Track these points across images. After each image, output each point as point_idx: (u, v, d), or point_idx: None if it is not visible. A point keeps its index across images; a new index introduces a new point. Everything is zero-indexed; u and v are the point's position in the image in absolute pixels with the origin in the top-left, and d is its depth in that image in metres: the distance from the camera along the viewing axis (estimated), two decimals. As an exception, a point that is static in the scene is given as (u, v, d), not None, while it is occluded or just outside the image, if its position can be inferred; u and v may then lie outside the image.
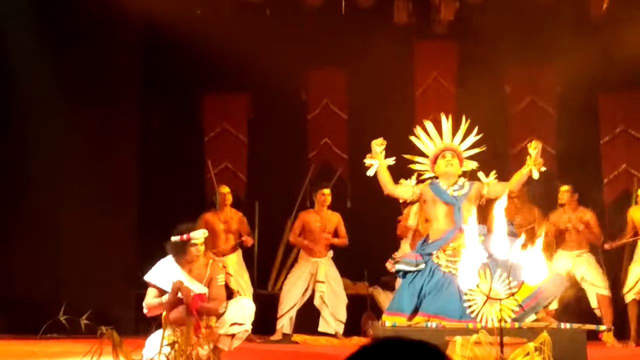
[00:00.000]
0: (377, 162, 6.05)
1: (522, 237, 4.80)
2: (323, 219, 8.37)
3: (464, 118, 6.11)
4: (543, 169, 6.10)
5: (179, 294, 5.66)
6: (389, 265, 7.39)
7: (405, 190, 6.10)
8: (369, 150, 6.15)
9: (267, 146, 9.44)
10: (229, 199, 8.42)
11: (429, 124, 6.23)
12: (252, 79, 9.12)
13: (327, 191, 8.39)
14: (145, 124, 9.24)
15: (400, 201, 6.28)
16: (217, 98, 9.65)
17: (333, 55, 9.27)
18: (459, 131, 6.14)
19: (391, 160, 6.10)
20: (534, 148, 6.09)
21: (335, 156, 9.59)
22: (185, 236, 5.78)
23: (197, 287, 5.80)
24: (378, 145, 6.09)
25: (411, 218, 7.85)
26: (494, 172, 6.11)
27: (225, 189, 8.46)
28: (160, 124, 9.08)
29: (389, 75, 9.05)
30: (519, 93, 9.40)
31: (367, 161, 6.07)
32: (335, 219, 8.43)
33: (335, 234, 8.43)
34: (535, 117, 9.27)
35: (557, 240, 8.19)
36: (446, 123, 6.15)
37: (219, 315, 5.73)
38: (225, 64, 9.00)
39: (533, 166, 6.07)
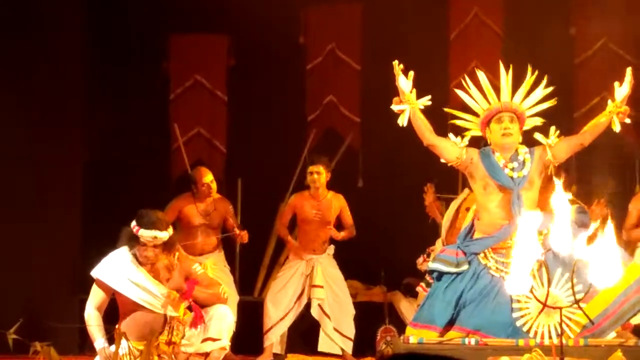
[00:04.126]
0: (408, 106, 5.94)
1: (591, 227, 4.77)
2: (321, 204, 8.30)
3: (529, 68, 6.02)
4: (627, 120, 5.96)
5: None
6: (420, 261, 7.35)
7: (451, 148, 5.97)
8: (387, 111, 6.09)
9: (252, 105, 9.42)
10: (214, 187, 8.28)
11: (481, 75, 6.13)
12: (233, 16, 9.06)
13: (314, 168, 8.20)
14: (90, 79, 9.20)
15: (448, 164, 6.04)
16: (186, 40, 9.61)
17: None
18: (522, 86, 6.05)
19: (426, 100, 5.97)
20: (630, 76, 5.91)
21: (343, 119, 9.56)
22: (135, 228, 5.80)
23: (158, 290, 5.80)
24: (400, 74, 5.94)
25: (448, 213, 7.65)
26: (553, 128, 6.00)
27: (208, 177, 8.25)
28: (111, 76, 9.02)
29: (416, 12, 8.99)
30: (587, 35, 9.33)
31: (396, 107, 5.97)
32: (337, 204, 8.33)
33: (339, 223, 8.38)
34: (609, 67, 9.20)
35: None
36: (505, 76, 6.06)
37: (223, 302, 5.90)
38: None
39: (615, 114, 5.92)
